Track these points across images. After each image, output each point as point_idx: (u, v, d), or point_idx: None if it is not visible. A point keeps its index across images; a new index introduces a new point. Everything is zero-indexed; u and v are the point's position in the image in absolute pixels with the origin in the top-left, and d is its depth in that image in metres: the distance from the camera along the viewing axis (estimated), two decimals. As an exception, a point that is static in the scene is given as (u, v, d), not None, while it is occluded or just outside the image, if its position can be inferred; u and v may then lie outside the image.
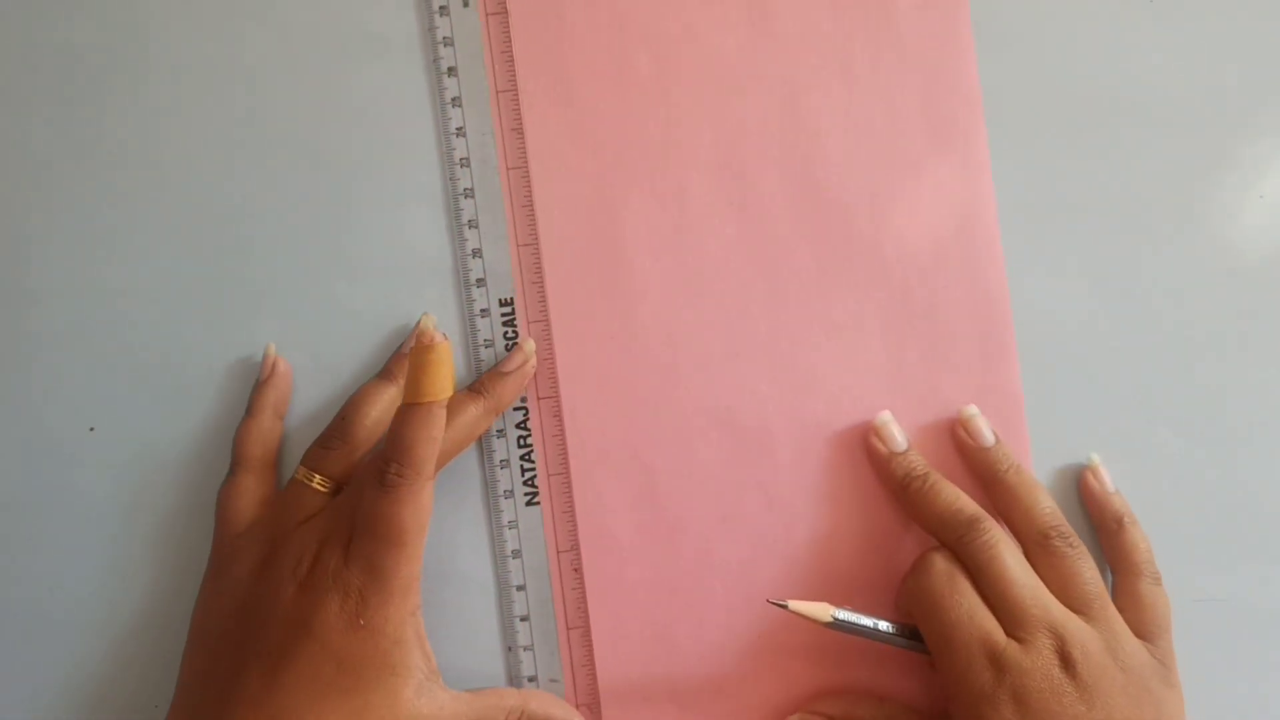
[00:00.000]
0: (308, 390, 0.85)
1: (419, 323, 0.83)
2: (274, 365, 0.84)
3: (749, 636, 0.83)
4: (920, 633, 0.78)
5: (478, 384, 0.83)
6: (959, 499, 0.79)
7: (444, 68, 0.84)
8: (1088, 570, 0.78)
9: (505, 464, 0.84)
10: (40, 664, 0.85)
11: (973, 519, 0.77)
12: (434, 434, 0.74)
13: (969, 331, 0.84)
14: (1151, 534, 0.83)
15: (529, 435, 0.84)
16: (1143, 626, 0.79)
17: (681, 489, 0.84)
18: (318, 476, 0.80)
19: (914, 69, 0.85)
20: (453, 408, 0.80)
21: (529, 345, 0.83)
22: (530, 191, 0.84)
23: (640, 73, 0.85)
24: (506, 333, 0.84)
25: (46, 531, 0.85)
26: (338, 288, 0.85)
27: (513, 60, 0.84)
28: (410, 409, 0.74)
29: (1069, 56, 0.86)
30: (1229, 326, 0.85)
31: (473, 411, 0.81)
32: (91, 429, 0.85)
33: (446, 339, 0.75)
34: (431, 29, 0.85)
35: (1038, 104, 0.86)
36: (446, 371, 0.74)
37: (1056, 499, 0.82)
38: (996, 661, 0.74)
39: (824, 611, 0.77)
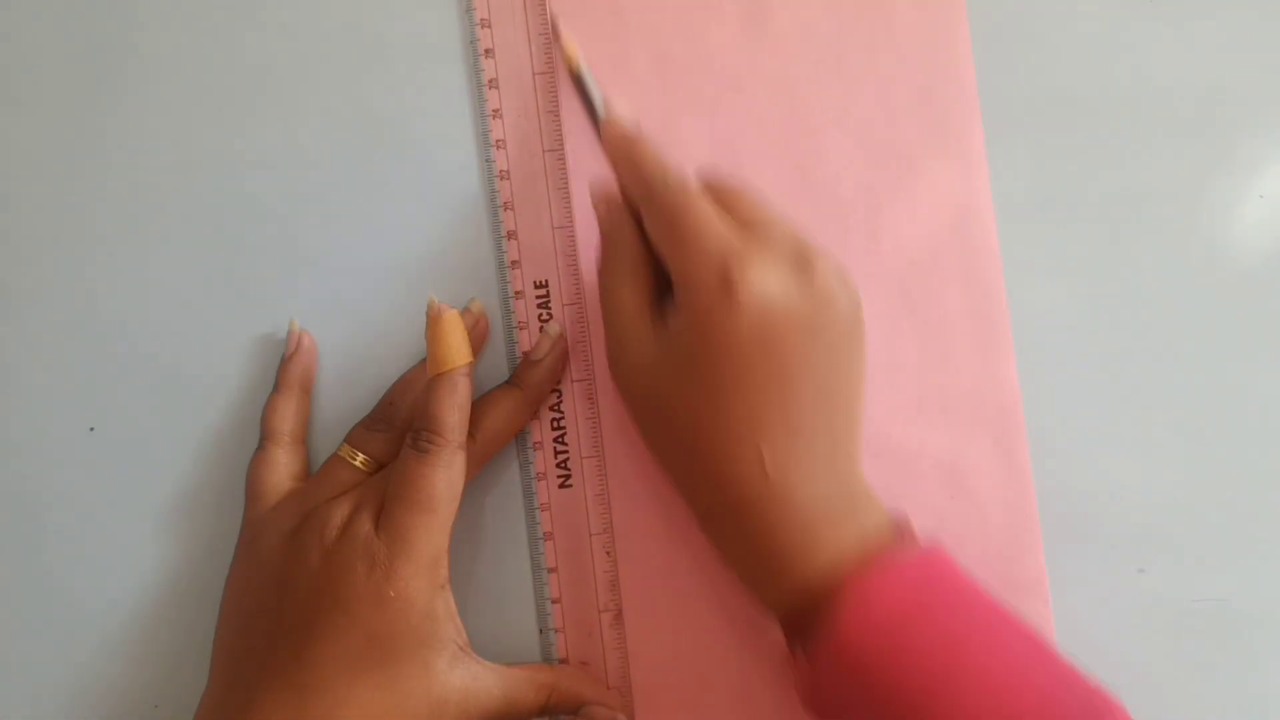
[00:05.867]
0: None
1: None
2: (299, 340, 0.84)
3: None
4: None
5: (513, 376, 0.84)
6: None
7: (481, 50, 0.85)
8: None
9: (539, 446, 0.84)
10: (40, 664, 0.84)
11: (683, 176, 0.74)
12: (459, 400, 0.76)
13: (966, 329, 0.85)
14: (1152, 534, 0.85)
15: (563, 418, 0.84)
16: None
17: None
18: (361, 455, 0.81)
19: (911, 66, 0.86)
20: (491, 403, 0.82)
21: (554, 329, 0.84)
22: (566, 174, 0.85)
23: (637, 68, 0.86)
24: (541, 315, 0.84)
25: (46, 531, 0.85)
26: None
27: (549, 42, 0.85)
28: (433, 381, 0.76)
29: (1066, 54, 0.87)
30: (1229, 326, 0.86)
31: (510, 404, 0.82)
32: (91, 429, 0.85)
33: (452, 308, 0.77)
34: (469, 10, 0.85)
35: (1035, 102, 0.87)
36: (459, 339, 0.76)
37: (1055, 499, 0.84)
38: (739, 254, 0.71)
39: (574, 54, 0.81)
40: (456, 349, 0.76)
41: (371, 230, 0.86)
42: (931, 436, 0.83)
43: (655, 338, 0.75)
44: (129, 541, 0.85)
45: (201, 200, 0.86)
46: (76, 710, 0.84)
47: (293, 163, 0.86)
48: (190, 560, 0.84)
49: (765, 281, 0.71)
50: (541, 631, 0.84)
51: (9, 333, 0.85)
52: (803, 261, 0.72)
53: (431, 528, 0.74)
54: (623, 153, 0.77)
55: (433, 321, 0.76)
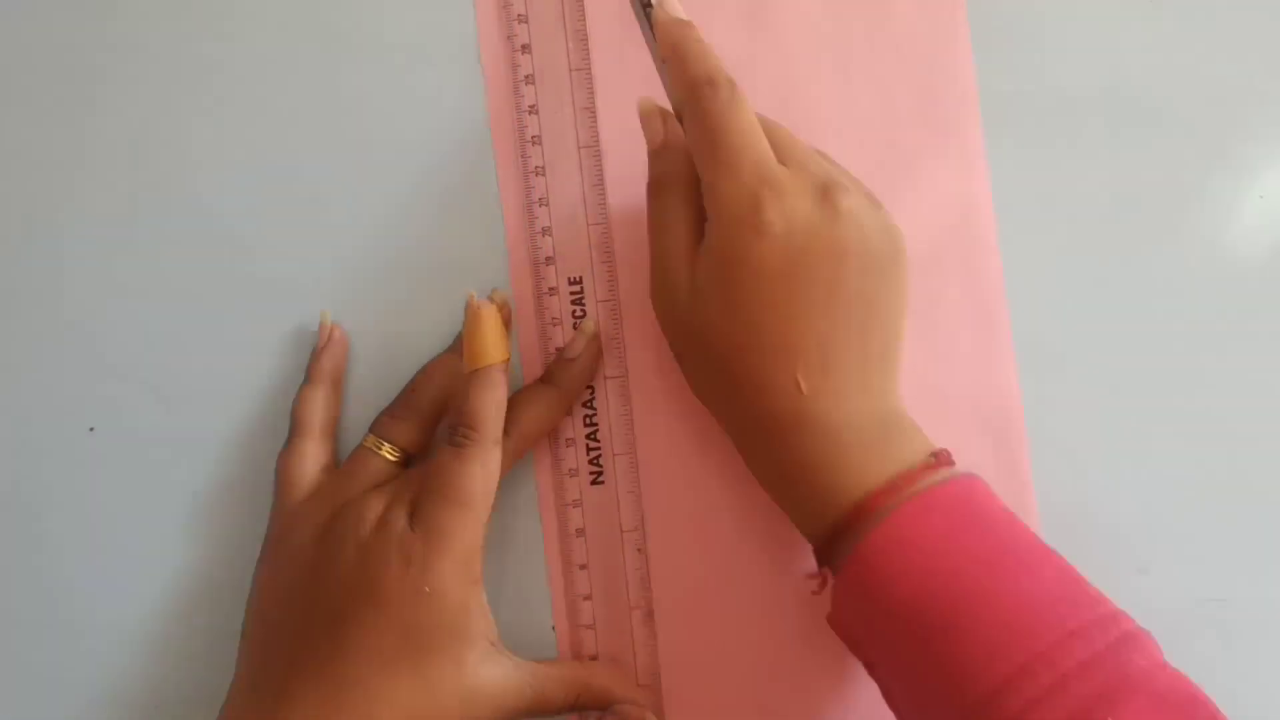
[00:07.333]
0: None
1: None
2: (331, 332, 0.84)
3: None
4: None
5: (546, 373, 0.84)
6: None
7: (518, 44, 0.84)
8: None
9: (571, 442, 0.84)
10: (38, 665, 0.84)
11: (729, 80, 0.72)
12: (496, 396, 0.76)
13: (966, 328, 0.86)
14: (1152, 534, 0.85)
15: (595, 415, 0.84)
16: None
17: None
18: (386, 445, 0.80)
19: (911, 65, 0.87)
20: (525, 400, 0.81)
21: (589, 327, 0.84)
22: (601, 170, 0.85)
23: (637, 68, 0.85)
24: (575, 311, 0.84)
25: (46, 532, 0.84)
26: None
27: (587, 38, 0.85)
28: (471, 375, 0.76)
29: (1066, 54, 0.87)
30: (1229, 326, 0.86)
31: (545, 401, 0.82)
32: (91, 429, 0.84)
33: (491, 304, 0.77)
34: (507, 5, 0.85)
35: (1035, 101, 0.87)
36: (498, 334, 0.76)
37: (1054, 499, 0.84)
38: (772, 182, 0.71)
39: None
40: (494, 345, 0.76)
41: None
42: (931, 436, 0.83)
43: (695, 264, 0.74)
44: (129, 542, 0.84)
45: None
46: (75, 711, 0.84)
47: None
48: (191, 561, 0.84)
49: (793, 207, 0.71)
50: (570, 628, 0.84)
51: (9, 332, 0.84)
52: (830, 189, 0.72)
53: (467, 523, 0.74)
54: (672, 41, 0.74)
55: (471, 316, 0.76)
